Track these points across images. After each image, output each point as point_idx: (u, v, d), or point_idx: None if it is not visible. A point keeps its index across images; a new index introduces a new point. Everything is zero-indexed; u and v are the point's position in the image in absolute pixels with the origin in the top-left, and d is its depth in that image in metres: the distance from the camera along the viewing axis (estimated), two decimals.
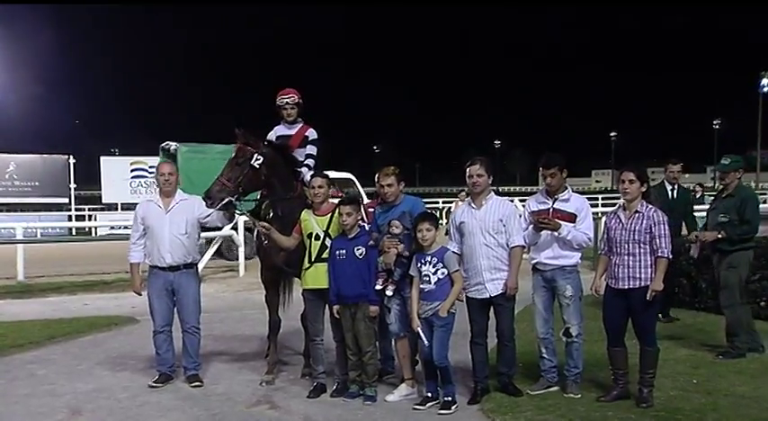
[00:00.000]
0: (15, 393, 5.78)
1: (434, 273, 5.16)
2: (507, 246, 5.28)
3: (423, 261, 5.21)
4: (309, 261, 5.57)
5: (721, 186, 6.86)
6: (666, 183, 8.29)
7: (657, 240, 5.03)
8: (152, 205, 6.03)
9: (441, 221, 16.32)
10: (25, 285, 12.20)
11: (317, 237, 5.54)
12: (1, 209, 27.41)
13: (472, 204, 5.39)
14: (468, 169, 5.35)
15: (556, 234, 5.32)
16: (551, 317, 5.53)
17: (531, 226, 5.39)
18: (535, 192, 6.24)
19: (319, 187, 5.56)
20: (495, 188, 5.84)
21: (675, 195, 8.23)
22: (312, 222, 5.58)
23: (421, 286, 5.22)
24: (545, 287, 5.48)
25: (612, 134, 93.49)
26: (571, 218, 5.36)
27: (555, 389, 5.45)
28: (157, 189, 6.12)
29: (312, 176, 5.77)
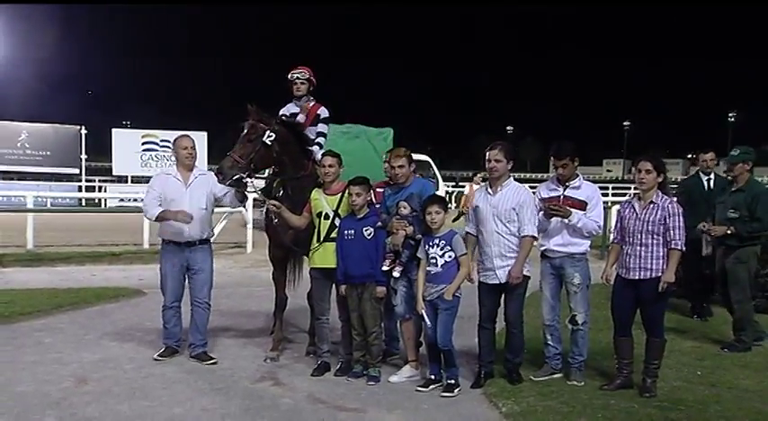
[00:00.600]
0: (22, 360, 5.83)
1: (441, 256, 5.16)
2: (519, 234, 5.21)
3: (430, 243, 5.21)
4: (318, 240, 5.57)
5: (729, 178, 6.78)
6: (702, 174, 7.88)
7: (671, 232, 4.97)
8: (171, 179, 5.94)
9: (450, 205, 16.33)
10: (34, 254, 12.28)
11: (327, 217, 5.54)
12: (12, 177, 27.54)
13: (489, 189, 5.33)
14: (486, 153, 5.27)
15: (566, 221, 5.30)
16: (558, 305, 5.53)
17: (542, 213, 5.36)
18: (546, 180, 6.21)
19: (330, 166, 5.54)
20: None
21: (712, 185, 7.69)
22: (322, 201, 5.57)
23: (428, 268, 5.22)
24: (553, 274, 5.46)
25: (625, 123, 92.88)
26: (582, 205, 5.34)
27: (558, 376, 5.46)
28: (175, 162, 6.05)
29: (323, 155, 5.75)
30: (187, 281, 6.05)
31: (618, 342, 5.28)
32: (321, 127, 6.43)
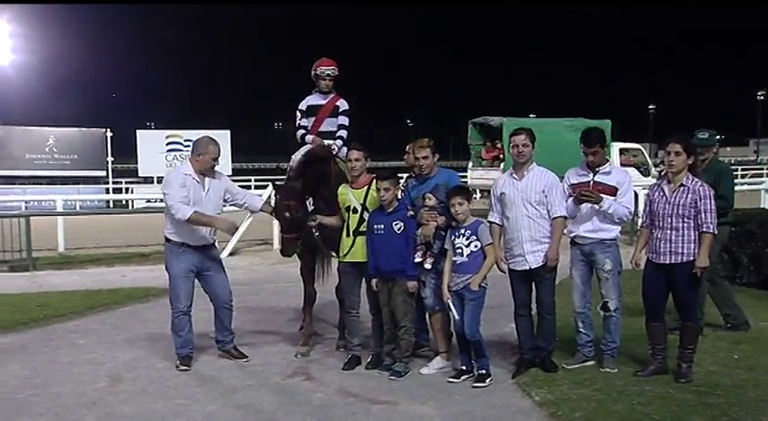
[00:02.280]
0: (58, 361, 5.92)
1: (467, 246, 5.14)
2: (549, 217, 5.22)
3: (456, 234, 5.18)
4: (347, 234, 5.56)
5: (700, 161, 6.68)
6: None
7: (703, 215, 4.88)
8: (190, 179, 5.71)
9: (475, 195, 16.26)
10: (66, 257, 12.47)
11: (355, 211, 5.53)
12: (41, 181, 27.95)
13: (514, 175, 5.31)
14: (512, 138, 5.28)
15: (596, 207, 5.23)
16: (589, 292, 5.46)
17: (571, 199, 5.30)
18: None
19: (356, 160, 5.53)
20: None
21: None
22: (349, 195, 5.56)
23: (453, 259, 5.20)
24: (583, 261, 5.40)
25: (651, 107, 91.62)
26: (612, 191, 5.26)
27: (591, 363, 5.40)
28: (190, 162, 5.79)
29: (349, 149, 5.73)
30: (200, 284, 5.86)
31: (650, 327, 5.20)
32: (342, 119, 6.45)
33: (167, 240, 5.82)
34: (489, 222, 5.37)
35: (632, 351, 5.63)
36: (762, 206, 13.41)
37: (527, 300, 5.40)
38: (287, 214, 5.47)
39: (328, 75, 6.42)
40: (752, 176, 32.50)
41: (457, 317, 5.17)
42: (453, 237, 5.20)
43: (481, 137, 19.53)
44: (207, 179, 5.77)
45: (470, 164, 20.10)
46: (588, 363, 5.40)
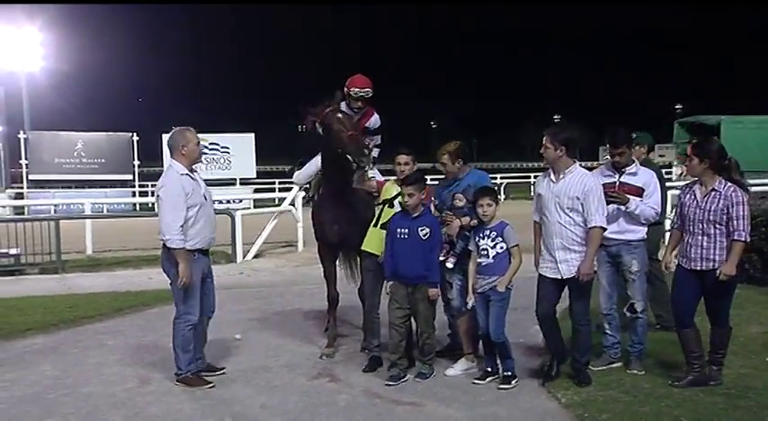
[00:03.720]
0: (88, 362, 6.01)
1: (493, 247, 5.09)
2: (584, 224, 4.88)
3: (481, 235, 5.15)
4: (374, 225, 5.63)
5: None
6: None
7: (734, 222, 4.67)
8: (187, 180, 5.23)
9: (500, 196, 16.19)
10: (94, 259, 12.64)
11: (392, 206, 5.57)
12: (70, 185, 28.40)
13: (551, 176, 5.02)
14: (545, 137, 4.99)
15: (623, 208, 5.18)
16: (615, 293, 5.42)
17: None
18: (594, 167, 6.10)
19: (405, 164, 5.55)
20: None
21: None
22: (394, 192, 5.60)
23: (479, 260, 5.16)
24: (609, 262, 5.35)
25: (678, 107, 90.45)
26: (638, 192, 5.22)
27: (618, 365, 5.35)
28: (179, 159, 5.28)
29: (397, 153, 5.65)
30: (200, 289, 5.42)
31: (682, 335, 4.98)
32: (375, 139, 6.44)
33: (169, 249, 5.17)
34: (534, 221, 5.21)
35: (659, 353, 5.58)
36: None
37: (552, 306, 5.11)
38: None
39: (361, 96, 6.23)
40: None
41: (482, 318, 5.14)
42: (478, 239, 5.17)
43: (689, 135, 19.71)
44: (196, 176, 5.36)
45: (675, 162, 20.32)
46: (614, 365, 5.35)
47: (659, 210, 5.39)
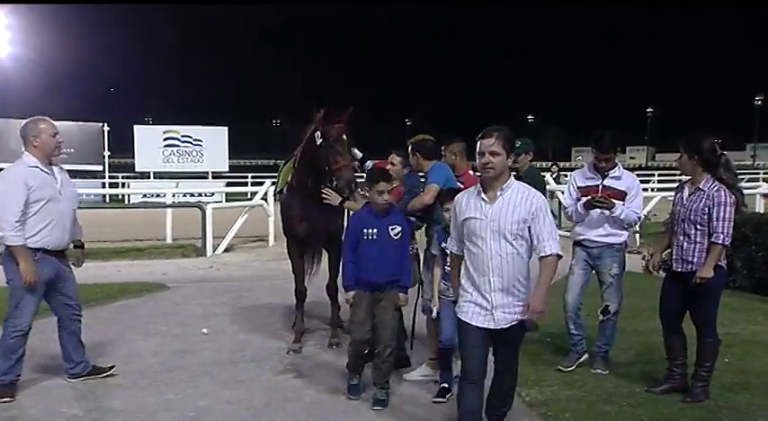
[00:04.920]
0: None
1: None
2: (529, 255, 3.76)
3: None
4: None
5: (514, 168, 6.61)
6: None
7: (714, 223, 4.50)
8: (38, 172, 4.79)
9: None
10: None
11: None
12: None
13: (483, 195, 3.71)
14: (478, 143, 3.74)
15: (607, 213, 5.18)
16: (582, 295, 5.43)
17: (581, 203, 5.22)
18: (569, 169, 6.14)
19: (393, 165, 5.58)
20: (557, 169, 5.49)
21: None
22: None
23: (448, 266, 4.50)
24: (587, 262, 5.35)
25: (649, 110, 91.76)
26: (621, 196, 5.20)
27: (585, 357, 5.39)
28: (33, 152, 4.85)
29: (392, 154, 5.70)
30: (52, 293, 5.03)
31: (667, 342, 4.89)
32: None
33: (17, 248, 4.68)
34: (449, 251, 4.10)
35: (622, 352, 5.65)
36: (756, 210, 13.43)
37: (481, 368, 3.78)
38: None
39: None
40: (748, 181, 32.57)
41: (439, 320, 4.77)
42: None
43: None
44: (56, 169, 4.95)
45: None
46: (583, 358, 5.39)
47: (641, 214, 5.42)
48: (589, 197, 5.19)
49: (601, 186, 5.25)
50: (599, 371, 5.26)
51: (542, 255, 3.68)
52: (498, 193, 3.69)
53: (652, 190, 17.82)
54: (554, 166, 21.26)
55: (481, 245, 3.68)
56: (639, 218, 5.37)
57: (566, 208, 5.61)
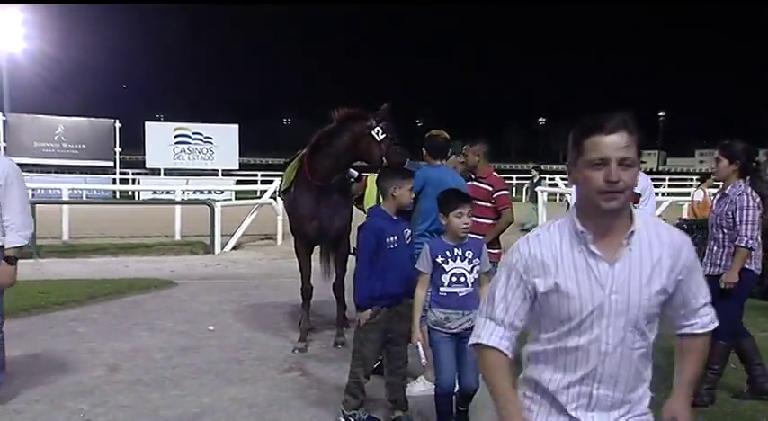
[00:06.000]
0: (57, 349, 5.95)
1: (471, 272, 3.88)
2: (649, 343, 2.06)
3: (451, 254, 3.87)
4: None
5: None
6: None
7: (738, 227, 4.52)
8: None
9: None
10: (69, 245, 12.51)
11: None
12: (49, 170, 28.09)
13: (594, 247, 1.95)
14: (587, 142, 2.02)
15: None
16: None
17: None
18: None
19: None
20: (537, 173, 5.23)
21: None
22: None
23: (453, 290, 3.87)
24: None
25: (660, 114, 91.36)
26: (636, 199, 5.20)
27: None
28: None
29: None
30: None
31: (736, 348, 4.87)
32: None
33: None
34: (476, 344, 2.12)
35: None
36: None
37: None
38: None
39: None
40: None
41: (423, 362, 4.09)
42: (446, 258, 3.87)
43: None
44: None
45: None
46: None
47: (655, 215, 5.39)
48: None
49: None
50: None
51: (696, 331, 2.18)
52: (624, 243, 1.96)
53: (663, 195, 17.73)
54: (533, 171, 20.99)
55: (585, 337, 1.94)
56: None
57: None
